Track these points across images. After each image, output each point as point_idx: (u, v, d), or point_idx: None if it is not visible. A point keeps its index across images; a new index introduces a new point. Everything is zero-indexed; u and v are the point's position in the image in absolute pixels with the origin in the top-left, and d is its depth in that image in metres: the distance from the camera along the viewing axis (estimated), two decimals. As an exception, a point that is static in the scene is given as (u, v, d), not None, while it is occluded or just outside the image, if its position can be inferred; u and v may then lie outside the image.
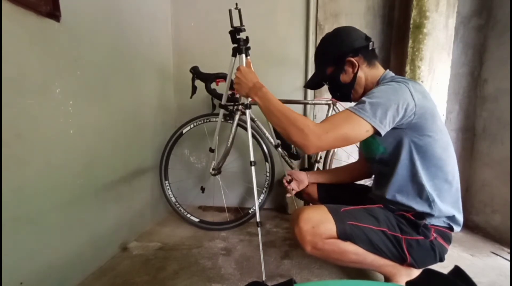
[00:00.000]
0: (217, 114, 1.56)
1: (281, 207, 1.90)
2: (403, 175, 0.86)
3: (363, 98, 0.79)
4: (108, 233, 1.23)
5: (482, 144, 1.59)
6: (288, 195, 1.23)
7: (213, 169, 1.52)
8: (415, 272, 0.89)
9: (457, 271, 0.33)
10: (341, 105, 1.58)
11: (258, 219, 1.06)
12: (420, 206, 0.85)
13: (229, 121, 1.53)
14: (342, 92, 0.97)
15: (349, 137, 0.77)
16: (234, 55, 1.17)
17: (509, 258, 1.26)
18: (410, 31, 1.49)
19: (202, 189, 1.59)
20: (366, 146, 0.97)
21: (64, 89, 0.97)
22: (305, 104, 1.81)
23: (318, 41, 1.77)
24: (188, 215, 1.59)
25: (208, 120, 1.57)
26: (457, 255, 1.30)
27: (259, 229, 1.05)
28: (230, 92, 1.50)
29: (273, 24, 1.79)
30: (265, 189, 1.57)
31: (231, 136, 1.48)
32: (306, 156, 1.79)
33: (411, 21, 1.49)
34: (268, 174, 1.57)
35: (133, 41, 1.39)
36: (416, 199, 0.86)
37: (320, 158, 1.66)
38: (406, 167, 0.85)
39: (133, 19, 1.39)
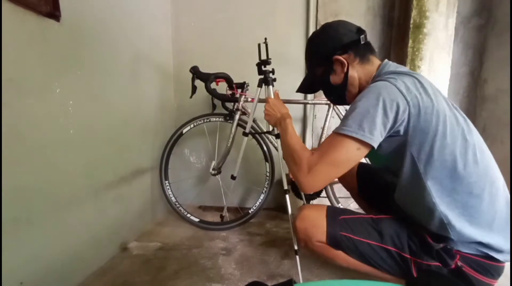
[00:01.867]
0: (217, 114, 1.56)
1: (281, 207, 1.90)
2: (407, 189, 0.73)
3: (347, 112, 0.71)
4: (108, 233, 1.23)
5: (482, 144, 1.59)
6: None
7: (213, 169, 1.52)
8: None
9: (457, 271, 0.33)
10: (341, 106, 1.58)
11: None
12: (434, 228, 0.68)
13: (229, 121, 1.53)
14: (335, 94, 0.87)
15: (341, 162, 0.67)
16: (260, 85, 1.25)
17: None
18: (410, 31, 1.49)
19: (221, 217, 1.61)
20: (369, 157, 0.82)
21: (64, 89, 0.97)
22: (305, 104, 1.80)
23: (318, 41, 1.79)
24: (188, 215, 1.59)
25: (208, 120, 1.57)
26: (457, 255, 1.30)
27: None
28: (230, 92, 1.50)
29: (273, 24, 1.79)
30: (265, 189, 1.57)
31: (231, 136, 1.48)
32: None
33: (411, 21, 1.49)
34: (268, 174, 1.57)
35: (133, 41, 1.39)
36: (426, 219, 0.69)
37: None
38: (409, 181, 0.70)
39: (133, 19, 1.39)
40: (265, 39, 1.16)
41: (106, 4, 1.19)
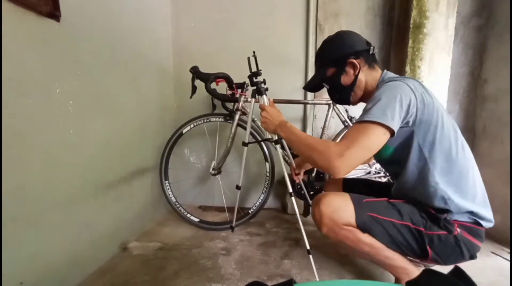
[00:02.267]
0: (217, 114, 1.56)
1: (281, 207, 1.90)
2: (414, 173, 0.85)
3: (368, 106, 0.80)
4: (108, 233, 1.23)
5: (482, 144, 1.59)
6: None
7: (213, 169, 1.52)
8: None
9: (457, 271, 0.33)
10: (341, 106, 1.58)
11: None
12: (436, 203, 0.83)
13: (229, 121, 1.53)
14: (341, 94, 0.97)
15: (372, 145, 0.77)
16: (253, 96, 1.30)
17: (509, 258, 1.26)
18: (410, 31, 1.49)
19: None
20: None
21: (64, 89, 0.97)
22: (305, 104, 1.80)
23: (318, 41, 1.79)
24: (188, 215, 1.59)
25: (208, 120, 1.57)
26: (457, 255, 1.30)
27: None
28: (230, 92, 1.50)
29: (273, 24, 1.79)
30: (265, 189, 1.57)
31: (231, 136, 1.48)
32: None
33: (411, 21, 1.49)
34: (268, 174, 1.57)
35: (133, 41, 1.39)
36: (430, 197, 0.83)
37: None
38: (416, 166, 0.84)
39: (133, 19, 1.39)
40: (254, 52, 1.21)
41: (106, 4, 1.19)
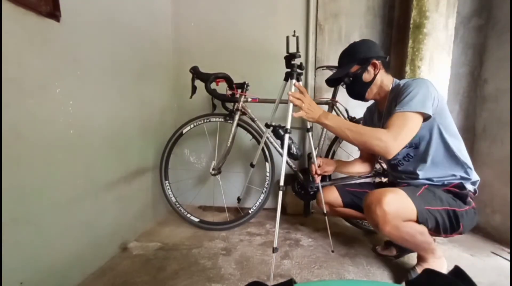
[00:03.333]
0: (217, 114, 1.57)
1: (281, 207, 1.90)
2: (437, 151, 1.03)
3: (405, 99, 0.94)
4: (108, 233, 1.23)
5: (482, 144, 1.59)
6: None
7: (213, 169, 1.52)
8: (443, 260, 1.06)
9: (457, 271, 0.33)
10: (341, 105, 1.58)
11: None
12: (459, 172, 1.03)
13: (229, 121, 1.53)
14: (360, 89, 1.11)
15: (414, 129, 0.94)
16: (286, 79, 1.25)
17: (509, 258, 1.26)
18: (410, 31, 1.49)
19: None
20: None
21: (64, 89, 0.97)
22: (305, 104, 1.80)
23: (318, 41, 1.79)
24: (188, 215, 1.59)
25: (208, 120, 1.57)
26: (457, 255, 1.30)
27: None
28: (230, 92, 1.50)
29: (273, 24, 1.79)
30: (265, 189, 1.57)
31: (231, 136, 1.48)
32: (307, 156, 1.79)
33: (411, 21, 1.49)
34: (268, 174, 1.57)
35: (133, 41, 1.39)
36: (454, 167, 1.03)
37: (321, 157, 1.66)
38: (438, 145, 1.03)
39: (133, 19, 1.39)
40: (294, 31, 1.16)
41: (106, 4, 1.19)
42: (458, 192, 0.99)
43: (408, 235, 0.95)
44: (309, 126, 1.30)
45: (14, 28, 0.79)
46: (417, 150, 1.07)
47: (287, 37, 1.17)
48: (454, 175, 1.03)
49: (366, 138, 0.94)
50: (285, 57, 1.19)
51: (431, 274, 0.33)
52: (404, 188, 0.98)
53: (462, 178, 1.03)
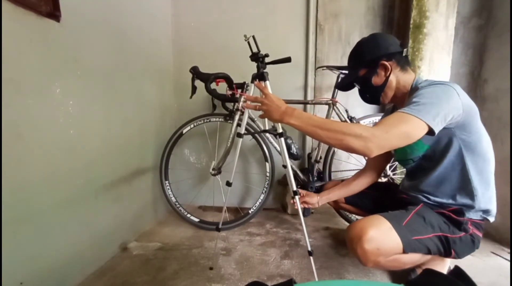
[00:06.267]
0: (217, 114, 1.56)
1: (281, 207, 1.90)
2: (447, 169, 0.91)
3: (414, 99, 0.79)
4: (108, 233, 1.23)
5: (482, 144, 1.59)
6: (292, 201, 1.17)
7: (213, 169, 1.52)
8: (445, 261, 0.98)
9: (457, 271, 0.33)
10: (341, 106, 1.58)
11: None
12: (461, 198, 0.90)
13: (229, 121, 1.53)
14: (372, 94, 0.99)
15: (410, 134, 0.77)
16: (252, 81, 1.21)
17: (509, 258, 1.26)
18: (410, 31, 1.50)
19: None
20: (408, 145, 0.85)
21: (64, 89, 0.97)
22: (305, 104, 1.80)
23: (318, 41, 1.79)
24: (188, 215, 1.59)
25: (208, 120, 1.57)
26: (457, 255, 1.30)
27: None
28: (230, 92, 1.50)
29: (273, 24, 1.79)
30: (265, 189, 1.57)
31: (231, 136, 1.48)
32: (306, 156, 1.79)
33: (411, 21, 1.49)
34: (268, 174, 1.57)
35: (133, 41, 1.39)
36: (459, 191, 0.90)
37: (320, 158, 1.66)
38: (452, 163, 0.89)
39: (133, 19, 1.39)
40: (252, 36, 1.18)
41: (106, 4, 1.19)
42: (453, 217, 0.89)
43: (394, 265, 0.89)
44: (280, 130, 1.10)
45: (14, 28, 0.79)
46: (430, 163, 0.94)
47: (248, 42, 1.16)
48: (455, 200, 0.91)
49: (341, 136, 0.76)
50: (250, 56, 1.18)
51: (431, 274, 0.33)
52: (390, 215, 0.88)
53: (463, 205, 0.90)
